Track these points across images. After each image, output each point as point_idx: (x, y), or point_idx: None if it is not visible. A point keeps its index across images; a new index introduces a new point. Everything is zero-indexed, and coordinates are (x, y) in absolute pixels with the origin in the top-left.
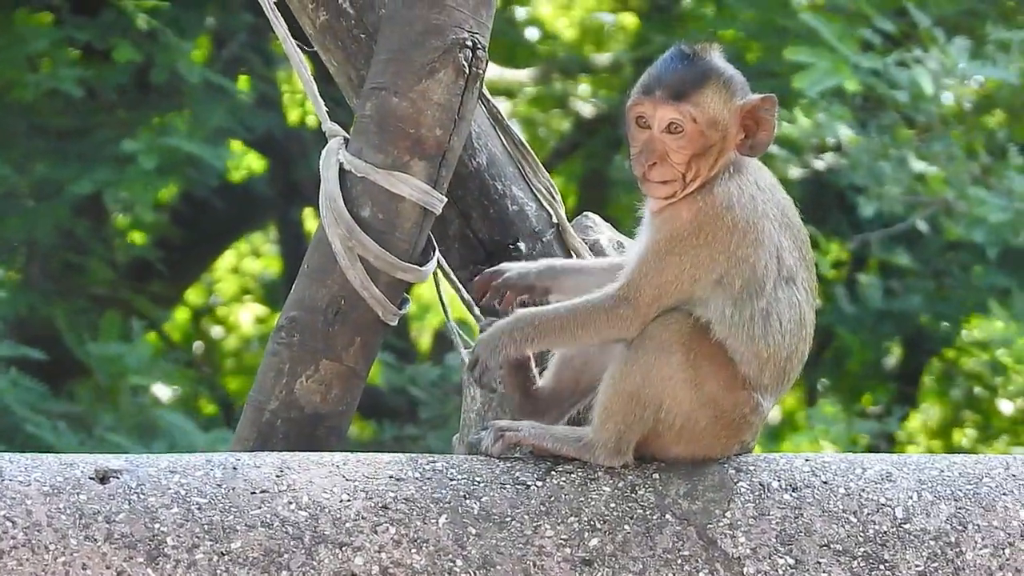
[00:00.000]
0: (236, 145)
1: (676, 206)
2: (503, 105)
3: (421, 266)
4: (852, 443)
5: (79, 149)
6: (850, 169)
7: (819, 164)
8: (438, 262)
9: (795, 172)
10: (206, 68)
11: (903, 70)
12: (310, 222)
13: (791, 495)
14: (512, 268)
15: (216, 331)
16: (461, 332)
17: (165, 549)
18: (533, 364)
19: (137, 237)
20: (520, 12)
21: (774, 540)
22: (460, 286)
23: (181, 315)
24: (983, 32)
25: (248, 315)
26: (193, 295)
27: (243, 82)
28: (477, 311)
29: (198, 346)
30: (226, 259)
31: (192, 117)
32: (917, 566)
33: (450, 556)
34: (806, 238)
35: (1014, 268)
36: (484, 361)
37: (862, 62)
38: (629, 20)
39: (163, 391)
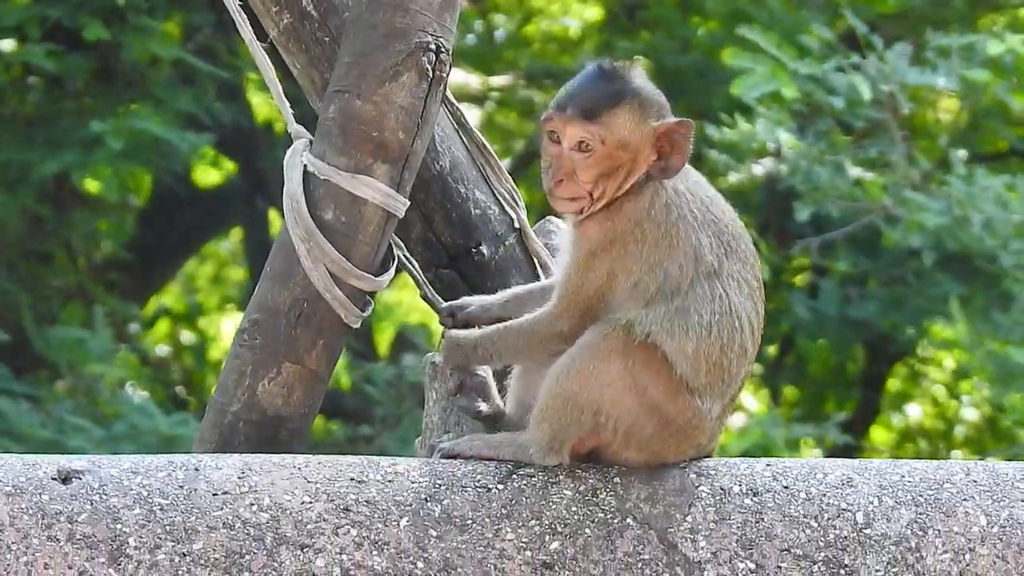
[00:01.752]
0: (206, 150)
1: (589, 222)
2: (468, 111)
3: (379, 274)
4: (815, 445)
5: (46, 135)
6: (788, 174)
7: (758, 169)
8: (407, 260)
9: (735, 177)
10: (179, 48)
11: (841, 76)
12: (275, 225)
13: (752, 499)
14: (474, 302)
15: (193, 340)
16: (435, 296)
17: (127, 550)
18: (495, 391)
19: (103, 236)
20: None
21: (735, 544)
22: (424, 282)
23: (162, 327)
24: (923, 38)
25: (231, 325)
26: (173, 303)
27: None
28: (442, 304)
29: (162, 349)
30: (207, 268)
31: (157, 104)
32: (878, 571)
33: (411, 559)
34: (740, 231)
35: (958, 275)
36: (450, 359)
37: (800, 68)
38: (595, 21)
39: (134, 392)
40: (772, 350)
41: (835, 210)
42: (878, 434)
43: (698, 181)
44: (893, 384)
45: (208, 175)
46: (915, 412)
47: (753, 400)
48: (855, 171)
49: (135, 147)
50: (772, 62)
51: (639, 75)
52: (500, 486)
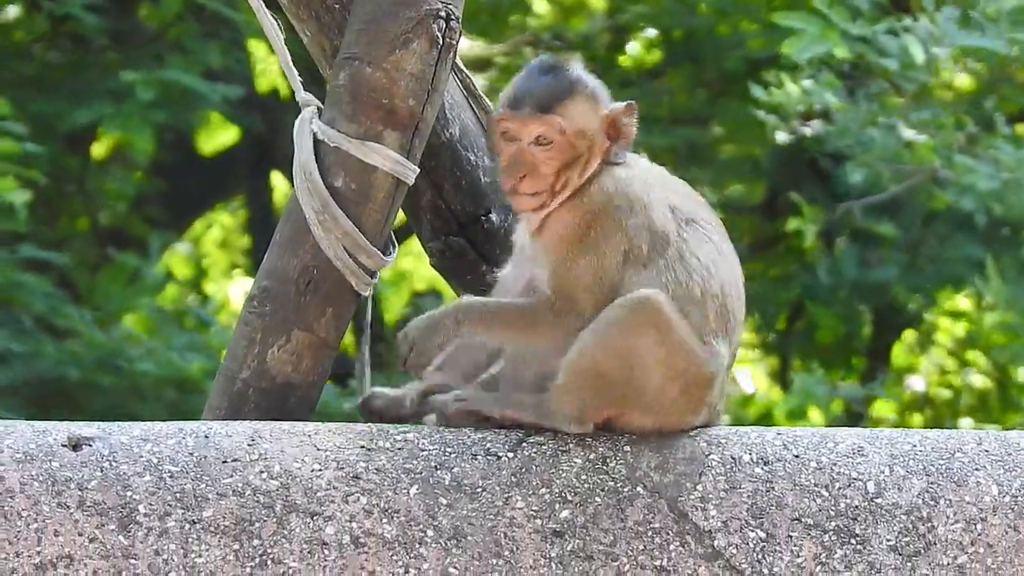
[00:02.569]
0: (214, 116)
1: (558, 213)
2: (476, 77)
3: (387, 252)
4: (827, 412)
5: (73, 86)
6: (836, 136)
7: (806, 130)
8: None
9: (782, 137)
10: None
11: (892, 38)
12: (280, 192)
13: (762, 469)
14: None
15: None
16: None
17: (137, 517)
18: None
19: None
20: None
21: (745, 513)
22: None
23: (170, 291)
24: (972, 1)
25: (238, 290)
26: (180, 268)
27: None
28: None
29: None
30: (213, 233)
31: (185, 56)
32: (889, 540)
33: (421, 526)
34: (697, 196)
35: (993, 240)
36: (419, 344)
37: (851, 29)
38: None
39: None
40: (781, 318)
41: (887, 172)
42: (884, 404)
43: (641, 158)
44: (900, 353)
45: (213, 140)
46: (921, 382)
47: (761, 368)
48: (908, 133)
49: (165, 99)
50: (823, 23)
51: (581, 67)
52: (510, 454)
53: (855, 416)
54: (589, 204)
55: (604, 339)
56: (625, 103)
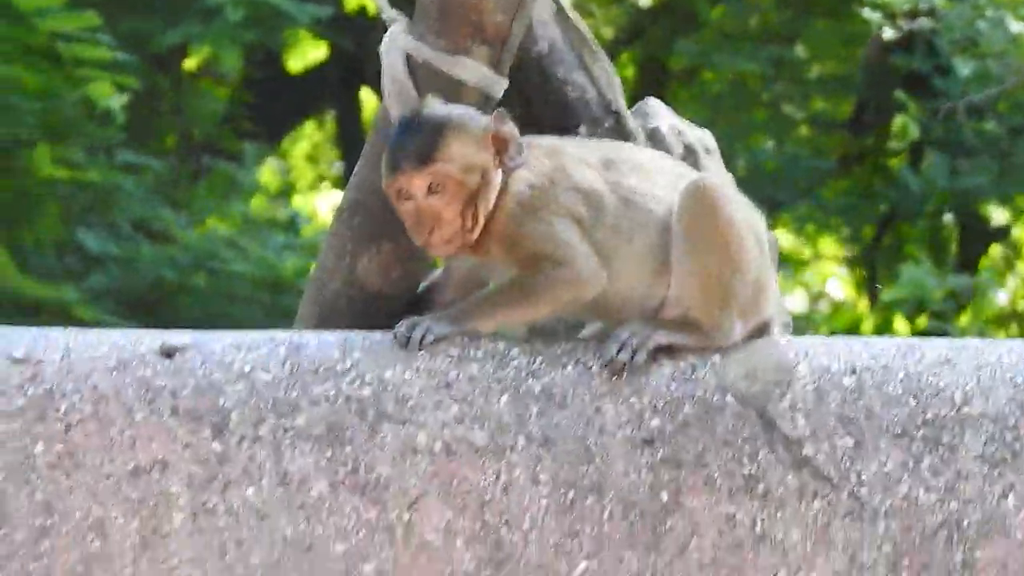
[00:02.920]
0: (303, 34)
1: (486, 238)
2: None
3: None
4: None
5: (163, 6)
6: (944, 32)
7: (911, 26)
8: None
9: (888, 34)
10: None
11: None
12: (369, 108)
13: (850, 378)
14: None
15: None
16: None
17: (230, 424)
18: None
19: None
20: None
21: (833, 422)
22: None
23: (257, 201)
24: None
25: (325, 203)
26: (270, 182)
27: None
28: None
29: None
30: (301, 147)
31: None
32: (975, 449)
33: (511, 433)
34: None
35: None
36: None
37: None
38: None
39: None
40: (868, 231)
41: (995, 66)
42: (969, 317)
43: (533, 139)
44: (986, 266)
45: (303, 58)
46: (1007, 296)
47: (850, 280)
48: (1015, 27)
49: (254, 19)
50: None
51: (439, 103)
52: (600, 363)
53: (940, 332)
54: (513, 215)
55: (689, 242)
56: (493, 114)
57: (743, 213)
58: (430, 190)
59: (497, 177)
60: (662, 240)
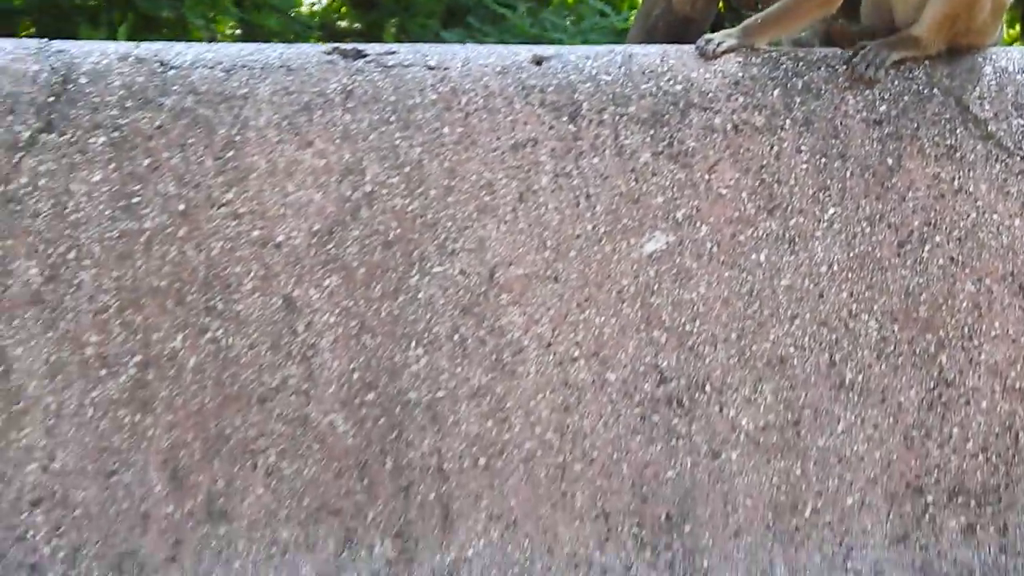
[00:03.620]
0: None
1: None
2: None
3: None
4: None
5: None
6: None
7: None
8: None
9: None
10: None
11: None
12: None
13: (1022, 76)
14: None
15: None
16: None
17: (582, 111)
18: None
19: None
20: None
21: (1010, 107)
22: None
23: None
24: None
25: None
26: None
27: None
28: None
29: None
30: None
31: None
32: None
33: (781, 117)
34: None
35: None
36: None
37: None
38: None
39: None
40: None
41: None
42: None
43: None
44: None
45: None
46: None
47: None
48: None
49: None
50: None
51: None
52: (844, 66)
53: None
54: None
55: None
56: None
57: None
58: None
59: None
60: None
